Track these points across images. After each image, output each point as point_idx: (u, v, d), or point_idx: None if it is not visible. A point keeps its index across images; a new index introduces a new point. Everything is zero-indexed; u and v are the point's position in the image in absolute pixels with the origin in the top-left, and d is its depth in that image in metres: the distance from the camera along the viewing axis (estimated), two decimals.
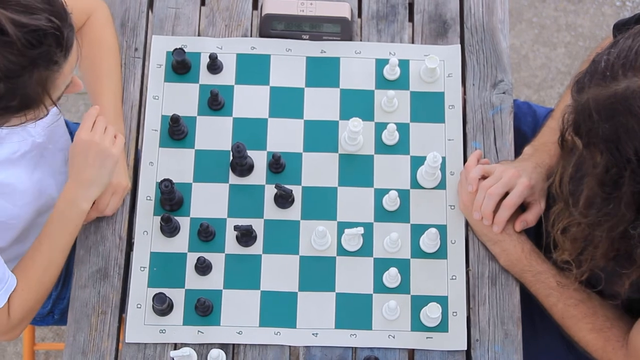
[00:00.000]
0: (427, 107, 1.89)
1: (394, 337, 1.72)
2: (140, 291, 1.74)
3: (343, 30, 1.93)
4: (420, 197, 1.82)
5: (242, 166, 1.81)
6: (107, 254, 1.77)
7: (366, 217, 1.80)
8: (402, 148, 1.86)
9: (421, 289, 1.76)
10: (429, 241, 1.76)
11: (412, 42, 1.96)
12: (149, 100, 1.88)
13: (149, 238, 1.78)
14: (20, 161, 1.69)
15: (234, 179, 1.83)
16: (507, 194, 1.73)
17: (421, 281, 1.76)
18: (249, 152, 1.82)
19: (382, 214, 1.81)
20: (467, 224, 1.80)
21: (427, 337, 1.72)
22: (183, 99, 1.88)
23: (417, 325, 1.73)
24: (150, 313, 1.73)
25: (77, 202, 1.67)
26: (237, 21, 1.96)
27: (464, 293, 1.76)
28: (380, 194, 1.82)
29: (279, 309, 1.74)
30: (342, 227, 1.78)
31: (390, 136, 1.84)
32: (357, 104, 1.89)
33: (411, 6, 1.98)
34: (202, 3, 1.98)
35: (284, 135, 1.86)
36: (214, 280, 1.76)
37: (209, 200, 1.81)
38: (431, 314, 1.69)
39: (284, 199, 1.79)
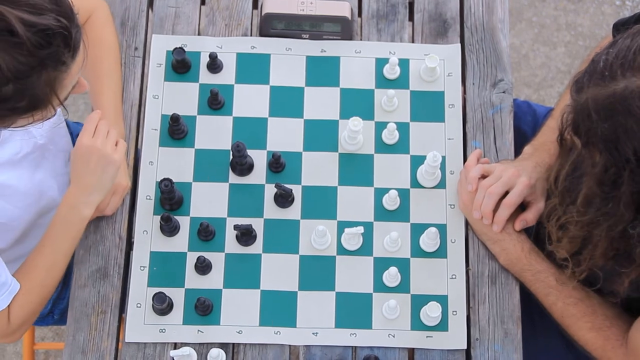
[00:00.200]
0: (427, 106, 1.89)
1: (394, 336, 1.73)
2: (140, 290, 1.74)
3: (343, 29, 1.93)
4: (420, 197, 1.82)
5: (242, 165, 1.81)
6: (107, 253, 1.77)
7: (366, 217, 1.80)
8: (402, 147, 1.86)
9: (421, 288, 1.76)
10: (429, 240, 1.76)
11: (412, 42, 1.96)
12: (148, 100, 1.88)
13: (148, 237, 1.78)
14: (21, 162, 1.69)
15: (233, 178, 1.83)
16: (507, 193, 1.73)
17: (421, 280, 1.76)
18: (249, 152, 1.82)
19: (382, 213, 1.81)
20: (467, 223, 1.80)
21: (427, 336, 1.72)
22: (183, 98, 1.88)
23: (417, 324, 1.73)
24: (150, 312, 1.73)
25: (79, 208, 1.67)
26: (237, 20, 1.96)
27: (463, 292, 1.76)
28: (380, 193, 1.82)
29: (278, 309, 1.74)
30: (342, 226, 1.78)
31: (390, 135, 1.84)
32: (357, 103, 1.89)
33: (411, 5, 1.98)
34: (202, 2, 1.98)
35: (284, 135, 1.86)
36: (214, 279, 1.76)
37: (209, 200, 1.81)
38: (431, 313, 1.69)
39: (283, 198, 1.79)
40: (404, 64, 1.92)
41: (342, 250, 1.78)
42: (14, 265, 1.70)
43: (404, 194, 1.82)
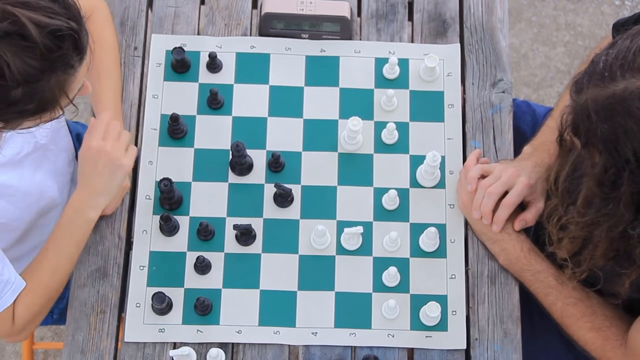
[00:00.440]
0: (427, 106, 1.89)
1: (393, 336, 1.73)
2: (140, 290, 1.74)
3: (342, 29, 1.93)
4: (419, 196, 1.82)
5: (242, 165, 1.81)
6: (107, 253, 1.77)
7: (365, 216, 1.80)
8: (401, 147, 1.86)
9: (420, 288, 1.76)
10: (429, 240, 1.76)
11: (412, 41, 1.96)
12: (148, 99, 1.88)
13: (148, 237, 1.78)
14: (22, 162, 1.69)
15: (233, 178, 1.83)
16: (506, 193, 1.73)
17: (420, 280, 1.76)
18: (249, 151, 1.82)
19: (382, 213, 1.81)
20: (466, 223, 1.80)
21: (426, 336, 1.72)
22: (182, 97, 1.88)
23: (417, 324, 1.73)
24: (149, 312, 1.73)
25: (85, 211, 1.67)
26: (237, 20, 1.95)
27: (463, 292, 1.76)
28: (379, 193, 1.82)
29: (278, 308, 1.74)
30: (342, 226, 1.78)
31: (390, 135, 1.84)
32: (357, 103, 1.89)
33: (411, 5, 1.98)
34: (202, 2, 1.98)
35: (284, 134, 1.86)
36: (214, 279, 1.76)
37: (209, 200, 1.81)
38: (430, 313, 1.69)
39: (283, 198, 1.79)
40: (403, 63, 1.92)
41: (341, 250, 1.78)
42: (14, 265, 1.70)
43: (403, 194, 1.82)
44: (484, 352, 1.72)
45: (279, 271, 1.76)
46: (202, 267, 1.74)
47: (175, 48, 1.88)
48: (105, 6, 1.88)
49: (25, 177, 1.70)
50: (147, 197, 1.81)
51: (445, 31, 1.95)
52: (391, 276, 1.73)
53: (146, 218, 1.79)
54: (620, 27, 1.64)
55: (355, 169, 1.84)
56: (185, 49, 1.90)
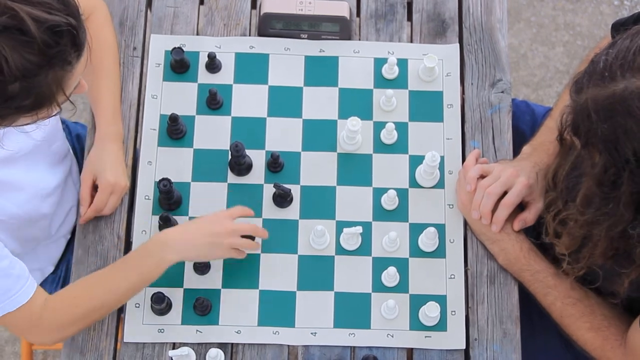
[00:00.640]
0: (426, 106, 1.89)
1: (392, 336, 1.72)
2: None
3: (342, 29, 1.93)
4: (418, 196, 1.82)
5: (241, 165, 1.81)
6: (106, 253, 1.77)
7: (365, 216, 1.80)
8: (400, 147, 1.86)
9: (420, 288, 1.76)
10: (428, 240, 1.76)
11: (411, 41, 1.96)
12: (147, 100, 1.88)
13: (147, 237, 1.78)
14: (18, 161, 1.69)
15: (232, 178, 1.83)
16: (505, 193, 1.73)
17: (420, 280, 1.76)
18: (248, 151, 1.82)
19: (381, 213, 1.81)
20: (465, 223, 1.80)
21: (425, 336, 1.72)
22: (181, 98, 1.88)
23: (416, 324, 1.73)
24: (148, 312, 1.73)
25: (168, 251, 1.63)
26: (236, 20, 1.95)
27: (462, 292, 1.76)
28: (378, 193, 1.82)
29: (277, 309, 1.74)
30: (341, 226, 1.78)
31: (389, 135, 1.84)
32: (356, 103, 1.89)
33: (410, 5, 1.98)
34: (201, 2, 1.98)
35: (283, 135, 1.86)
36: (213, 279, 1.75)
37: (208, 200, 1.81)
38: (430, 313, 1.69)
39: (282, 198, 1.79)
40: (402, 63, 1.92)
41: (340, 250, 1.78)
42: None
43: (402, 194, 1.82)
44: (483, 352, 1.72)
45: (278, 271, 1.76)
46: (202, 267, 1.74)
47: (175, 48, 1.88)
48: (104, 6, 1.88)
49: (21, 175, 1.70)
50: (147, 197, 1.81)
51: (444, 31, 1.96)
52: (390, 276, 1.73)
53: (145, 218, 1.79)
54: (619, 27, 1.64)
55: (355, 169, 1.84)
56: (185, 49, 1.90)
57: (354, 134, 1.82)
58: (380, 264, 1.77)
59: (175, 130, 1.84)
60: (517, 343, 1.73)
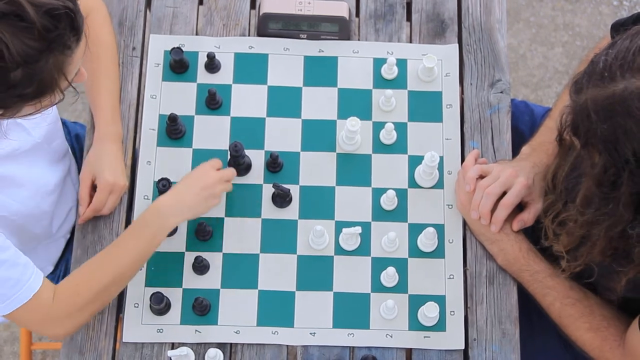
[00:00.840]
0: (425, 106, 1.89)
1: (391, 337, 1.73)
2: (138, 290, 1.74)
3: (341, 29, 1.93)
4: (417, 197, 1.82)
5: (240, 165, 1.81)
6: None
7: (364, 217, 1.80)
8: (399, 147, 1.86)
9: (419, 288, 1.76)
10: (427, 240, 1.76)
11: (410, 42, 1.96)
12: (146, 100, 1.88)
13: None
14: (18, 158, 1.69)
15: None
16: (504, 193, 1.73)
17: (419, 280, 1.76)
18: (247, 152, 1.82)
19: (380, 213, 1.81)
20: (464, 223, 1.80)
21: (424, 337, 1.72)
22: (181, 98, 1.88)
23: (415, 324, 1.73)
24: (147, 312, 1.73)
25: (165, 215, 1.65)
26: (235, 20, 1.95)
27: (461, 292, 1.76)
28: (378, 193, 1.82)
29: (276, 309, 1.74)
30: (340, 226, 1.78)
31: (388, 135, 1.84)
32: (355, 103, 1.89)
33: (409, 5, 1.98)
34: (200, 2, 1.98)
35: (282, 135, 1.86)
36: (212, 279, 1.75)
37: None
38: (429, 313, 1.69)
39: (281, 198, 1.79)
40: (401, 64, 1.92)
41: (339, 250, 1.78)
42: None
43: (401, 194, 1.82)
44: (482, 353, 1.72)
45: (277, 271, 1.76)
46: (201, 267, 1.74)
47: (174, 48, 1.88)
48: (103, 6, 1.88)
49: (23, 172, 1.70)
50: (145, 197, 1.81)
51: (443, 31, 1.96)
52: (389, 276, 1.73)
53: None
54: (619, 27, 1.64)
55: (354, 169, 1.84)
56: (184, 49, 1.90)
57: (353, 134, 1.82)
58: (379, 264, 1.77)
59: (174, 130, 1.84)
60: (516, 343, 1.73)
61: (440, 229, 1.79)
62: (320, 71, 1.92)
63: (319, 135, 1.86)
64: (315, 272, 1.77)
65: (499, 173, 1.74)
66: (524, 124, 2.04)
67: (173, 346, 1.72)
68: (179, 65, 1.89)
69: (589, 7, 3.13)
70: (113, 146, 1.81)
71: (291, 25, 1.93)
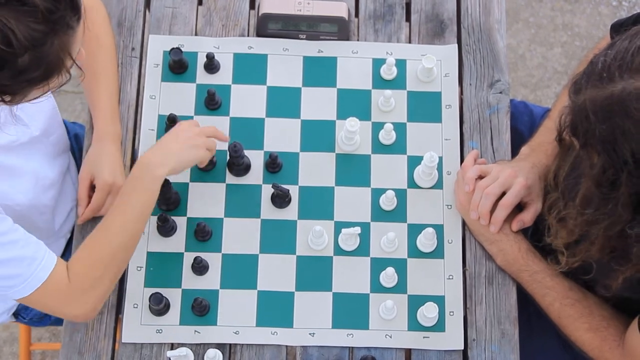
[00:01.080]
0: (424, 106, 1.89)
1: (390, 337, 1.73)
2: (137, 291, 1.74)
3: (340, 29, 1.93)
4: (417, 197, 1.82)
5: (239, 166, 1.81)
6: None
7: (363, 217, 1.80)
8: (399, 148, 1.86)
9: (418, 288, 1.76)
10: (426, 241, 1.76)
11: (409, 42, 1.96)
12: (145, 100, 1.88)
13: (145, 238, 1.78)
14: (18, 150, 1.68)
15: (230, 178, 1.83)
16: (504, 193, 1.74)
17: (418, 281, 1.76)
18: (246, 152, 1.82)
19: (379, 214, 1.81)
20: (464, 224, 1.80)
21: (423, 337, 1.73)
22: (180, 98, 1.88)
23: (414, 324, 1.73)
24: (146, 313, 1.73)
25: (153, 167, 1.63)
26: (234, 21, 1.95)
27: (460, 293, 1.76)
28: (377, 193, 1.82)
29: (275, 309, 1.74)
30: (339, 226, 1.78)
31: (387, 136, 1.84)
32: (354, 103, 1.89)
33: (408, 6, 1.98)
34: (199, 2, 1.98)
35: (281, 135, 1.86)
36: (211, 280, 1.75)
37: (206, 200, 1.81)
38: (428, 313, 1.69)
39: (280, 199, 1.79)
40: (401, 64, 1.92)
41: (339, 251, 1.78)
42: None
43: (401, 195, 1.82)
44: (481, 353, 1.72)
45: (276, 272, 1.76)
46: (200, 267, 1.74)
47: (173, 49, 1.88)
48: (102, 6, 1.87)
49: (21, 164, 1.69)
50: None
51: (442, 32, 1.96)
52: (389, 277, 1.73)
53: None
54: (618, 28, 1.64)
55: (353, 169, 1.84)
56: (183, 49, 1.90)
57: (352, 135, 1.82)
58: (378, 265, 1.77)
59: None
60: (515, 344, 1.73)
61: (439, 229, 1.79)
62: (320, 71, 1.92)
63: (318, 136, 1.86)
64: (314, 273, 1.77)
65: (498, 173, 1.74)
66: (523, 125, 2.04)
67: (172, 347, 1.72)
68: (178, 66, 1.89)
69: (588, 7, 3.13)
70: (112, 146, 1.80)
71: (290, 26, 1.93)
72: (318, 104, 1.89)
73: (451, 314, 1.74)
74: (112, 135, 1.81)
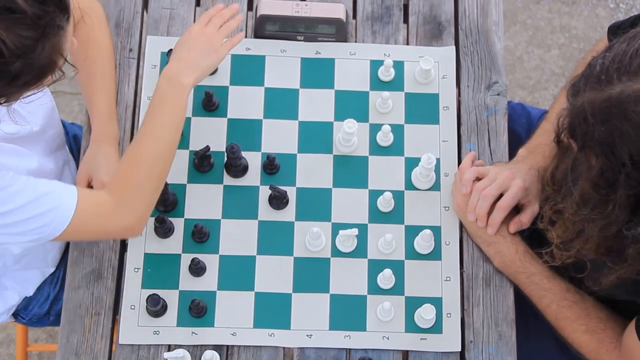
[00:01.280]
0: (422, 108, 1.89)
1: (388, 339, 1.72)
2: (134, 292, 1.74)
3: (338, 31, 1.93)
4: (414, 199, 1.82)
5: (237, 167, 1.81)
6: (101, 255, 1.77)
7: (360, 219, 1.80)
8: (396, 149, 1.86)
9: (415, 290, 1.76)
10: (423, 242, 1.76)
11: (407, 44, 1.96)
12: (143, 101, 1.88)
13: (142, 239, 1.77)
14: (17, 142, 1.68)
15: (228, 180, 1.82)
16: (501, 195, 1.74)
17: (415, 282, 1.76)
18: (244, 153, 1.82)
19: (377, 215, 1.81)
20: (461, 226, 1.80)
21: (421, 339, 1.72)
22: None
23: (411, 326, 1.73)
24: (144, 314, 1.73)
25: (178, 77, 1.64)
26: None
27: (458, 294, 1.76)
28: (374, 195, 1.82)
29: (273, 311, 1.74)
30: (337, 228, 1.78)
31: (385, 137, 1.84)
32: (352, 105, 1.89)
33: (406, 8, 1.98)
34: (197, 3, 1.98)
35: (279, 136, 1.86)
36: (208, 281, 1.75)
37: (204, 202, 1.80)
38: (425, 315, 1.69)
39: (278, 200, 1.79)
40: (398, 66, 1.92)
41: (336, 252, 1.78)
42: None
43: (398, 196, 1.82)
44: (478, 355, 1.72)
45: (273, 273, 1.76)
46: (197, 269, 1.74)
47: (171, 50, 1.87)
48: (99, 7, 1.87)
49: (23, 154, 1.69)
50: None
51: (440, 33, 1.96)
52: (386, 278, 1.73)
53: None
54: (616, 30, 1.64)
55: (351, 171, 1.84)
56: None
57: (350, 136, 1.82)
58: (375, 266, 1.77)
59: None
60: (513, 345, 1.73)
61: (436, 231, 1.79)
62: (317, 73, 1.92)
63: (315, 137, 1.86)
64: (311, 274, 1.76)
65: (495, 175, 1.74)
66: (520, 126, 2.04)
67: (169, 348, 1.72)
68: None
69: (585, 9, 3.13)
70: (109, 147, 1.80)
71: (288, 27, 1.93)
72: (316, 105, 1.89)
73: (448, 315, 1.74)
74: (110, 136, 1.81)
